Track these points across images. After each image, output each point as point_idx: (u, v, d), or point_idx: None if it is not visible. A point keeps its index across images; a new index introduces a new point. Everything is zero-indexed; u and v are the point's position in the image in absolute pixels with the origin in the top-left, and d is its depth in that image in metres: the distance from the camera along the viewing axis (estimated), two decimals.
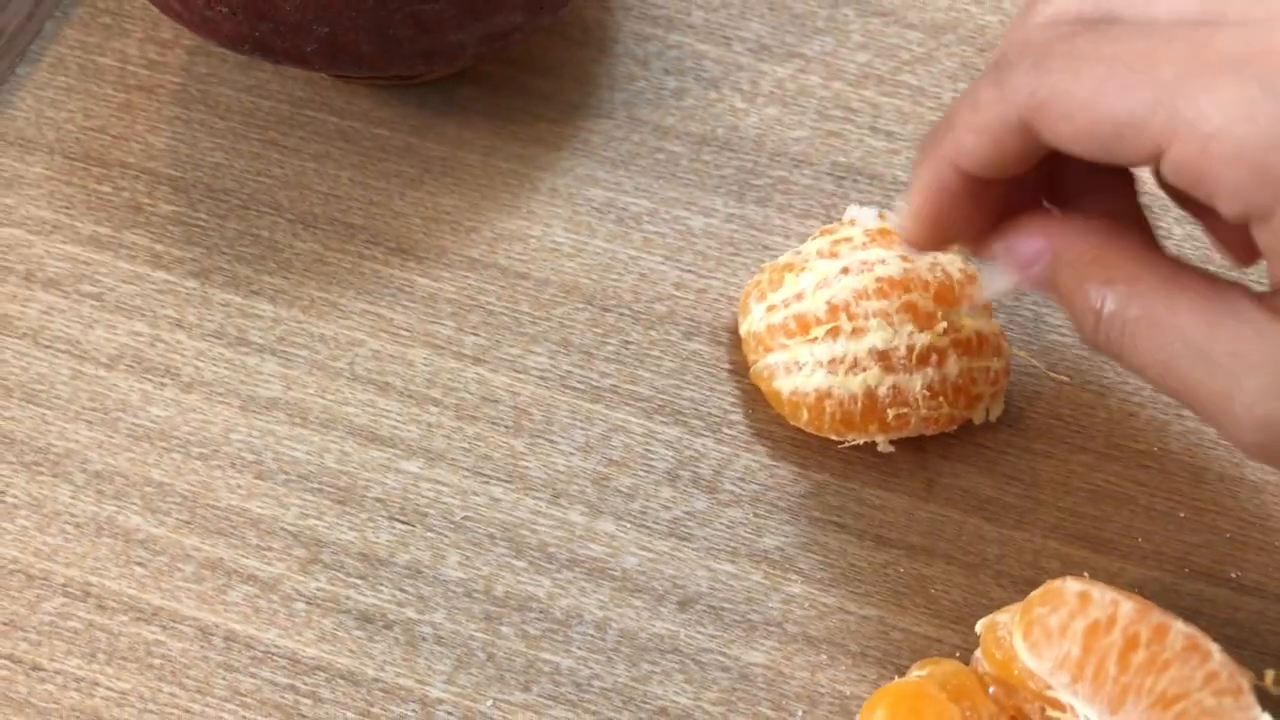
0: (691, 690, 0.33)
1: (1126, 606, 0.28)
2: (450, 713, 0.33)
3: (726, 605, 0.34)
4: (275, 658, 0.33)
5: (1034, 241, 0.26)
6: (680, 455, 0.36)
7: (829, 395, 0.33)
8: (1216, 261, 0.38)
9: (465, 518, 0.35)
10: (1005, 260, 0.27)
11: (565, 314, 0.37)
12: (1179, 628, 0.28)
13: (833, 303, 0.33)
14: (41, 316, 0.37)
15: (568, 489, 0.35)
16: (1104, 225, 0.26)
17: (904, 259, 0.34)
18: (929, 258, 0.34)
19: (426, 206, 0.39)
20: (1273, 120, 0.21)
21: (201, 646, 0.33)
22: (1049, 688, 0.28)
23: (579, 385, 0.37)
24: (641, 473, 0.36)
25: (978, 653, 0.31)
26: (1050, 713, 0.29)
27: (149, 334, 0.37)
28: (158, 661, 0.33)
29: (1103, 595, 0.28)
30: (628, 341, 0.37)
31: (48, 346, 0.37)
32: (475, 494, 0.35)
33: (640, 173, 0.40)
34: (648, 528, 0.35)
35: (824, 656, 0.34)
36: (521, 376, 0.37)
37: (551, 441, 0.36)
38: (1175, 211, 0.38)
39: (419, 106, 0.40)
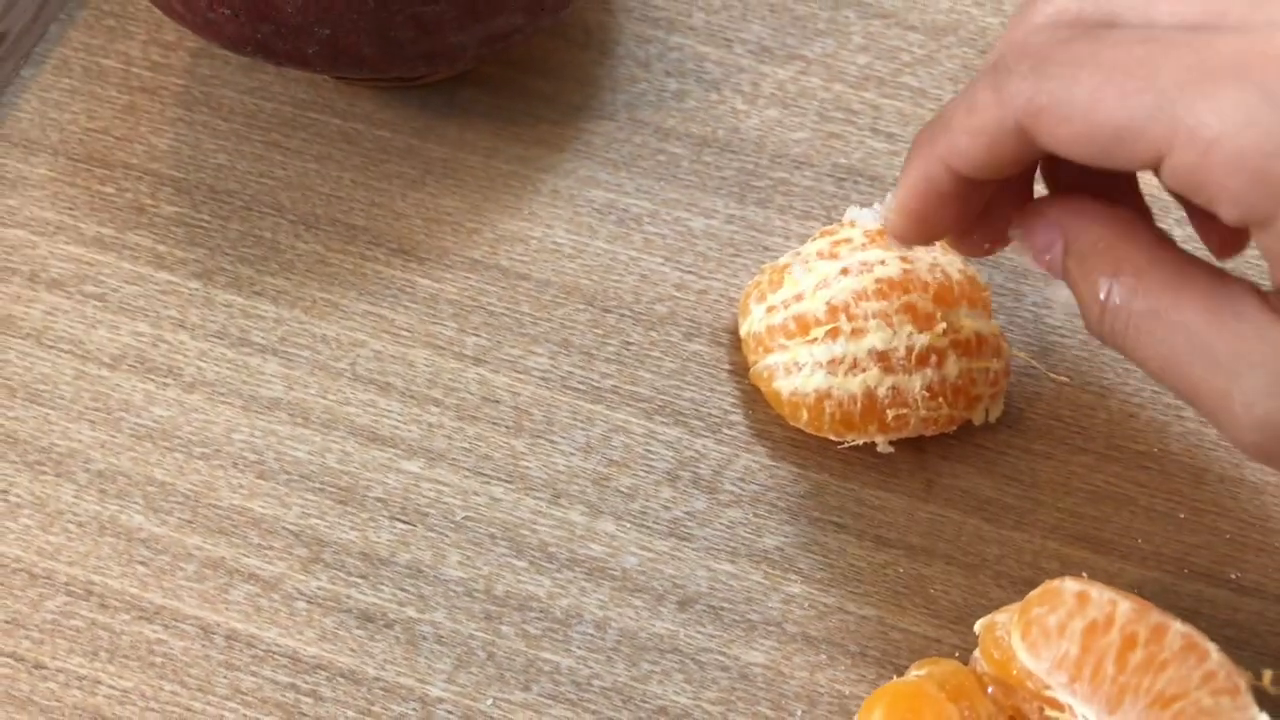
0: (691, 690, 0.33)
1: (1124, 606, 0.28)
2: (450, 712, 0.33)
3: (726, 605, 0.34)
4: (276, 656, 0.33)
5: (1048, 229, 0.26)
6: (680, 455, 0.36)
7: (828, 396, 0.33)
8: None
9: (466, 517, 0.35)
10: (1020, 246, 0.27)
11: (566, 315, 0.38)
12: (1177, 627, 0.28)
13: (832, 304, 0.33)
14: (45, 317, 0.37)
15: (568, 489, 0.35)
16: (1115, 215, 0.26)
17: (903, 260, 0.34)
18: (929, 259, 0.34)
19: (428, 208, 0.39)
20: (1273, 127, 0.21)
21: (203, 645, 0.33)
22: (1047, 687, 0.28)
23: (580, 386, 0.37)
24: (642, 473, 0.36)
25: (976, 653, 0.31)
26: (1048, 712, 0.29)
27: (152, 334, 0.37)
28: (159, 660, 0.33)
29: (1101, 595, 0.28)
30: (628, 342, 0.37)
31: (51, 347, 0.37)
32: (476, 494, 0.35)
33: (641, 174, 0.40)
34: (648, 528, 0.35)
35: (823, 656, 0.34)
36: (522, 377, 0.37)
37: (552, 442, 0.36)
38: (1176, 213, 0.38)
39: (421, 108, 0.41)
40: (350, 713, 0.33)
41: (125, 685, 0.33)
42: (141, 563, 0.34)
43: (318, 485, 0.35)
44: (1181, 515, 0.35)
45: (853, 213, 0.36)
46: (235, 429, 0.36)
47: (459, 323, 0.37)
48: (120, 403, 0.36)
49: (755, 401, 0.36)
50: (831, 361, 0.33)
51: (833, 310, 0.33)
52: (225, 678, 0.33)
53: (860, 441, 0.35)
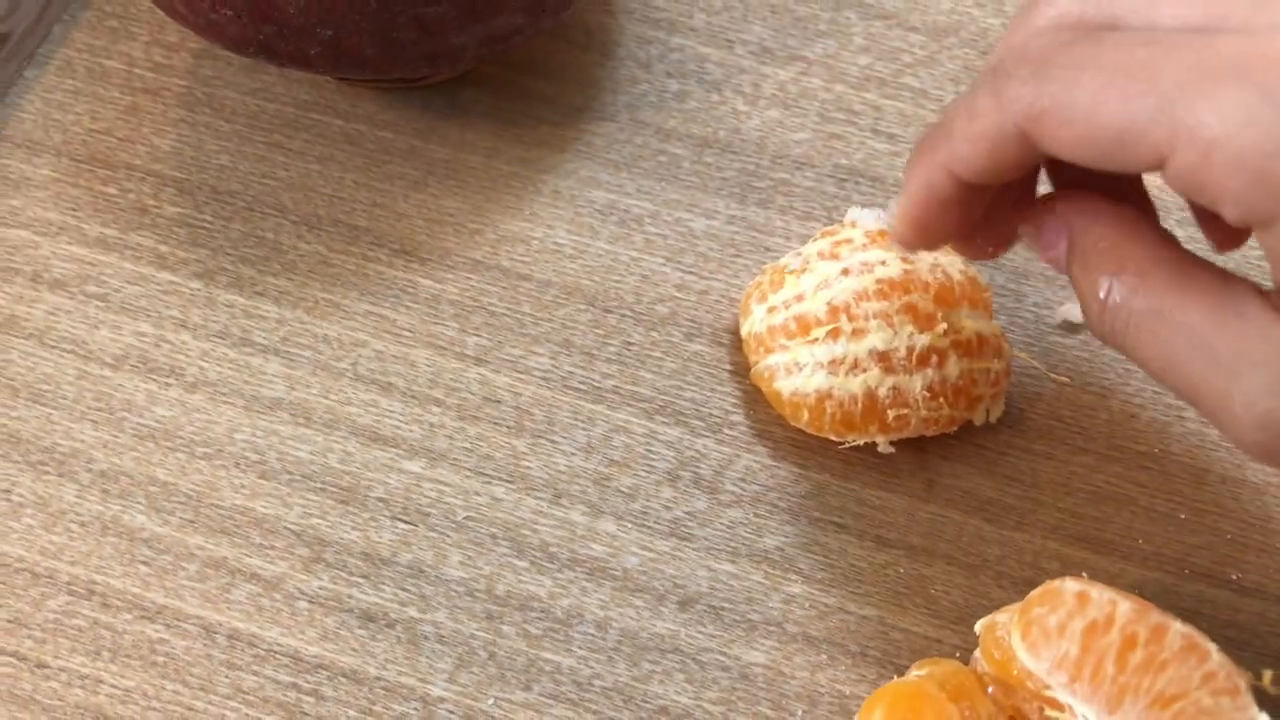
0: (692, 690, 0.33)
1: (1124, 606, 0.28)
2: (452, 711, 0.33)
3: (727, 605, 0.34)
4: (278, 656, 0.33)
5: (1055, 226, 0.26)
6: (681, 456, 0.36)
7: (829, 396, 0.33)
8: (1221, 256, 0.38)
9: (467, 517, 0.35)
10: (1029, 242, 0.27)
11: (567, 315, 0.38)
12: (1177, 628, 0.28)
13: (833, 304, 0.33)
14: (48, 317, 0.37)
15: (569, 489, 0.35)
16: (1119, 214, 0.26)
17: (904, 260, 0.34)
18: (930, 259, 0.34)
19: (430, 208, 0.39)
20: (1273, 127, 0.21)
21: (205, 644, 0.33)
22: (1047, 687, 0.28)
23: (581, 386, 0.37)
24: (643, 473, 0.36)
25: (977, 653, 0.31)
26: (1049, 712, 0.29)
27: (154, 334, 0.37)
28: (161, 659, 0.33)
29: (1101, 595, 0.28)
30: (629, 343, 0.37)
31: (54, 347, 0.37)
32: (477, 494, 0.35)
33: (642, 175, 0.40)
34: (649, 528, 0.35)
35: (824, 656, 0.34)
36: (523, 377, 0.37)
37: (553, 442, 0.36)
38: (1177, 214, 0.38)
39: (422, 109, 0.41)
40: (352, 712, 0.33)
41: (127, 684, 0.33)
42: (144, 562, 0.34)
43: (319, 485, 0.35)
44: (1182, 516, 0.35)
45: (854, 213, 0.36)
46: (237, 429, 0.36)
47: (460, 323, 0.38)
48: (123, 403, 0.36)
49: (756, 402, 0.36)
50: (832, 362, 0.33)
51: (834, 310, 0.33)
52: (227, 677, 0.33)
53: (861, 442, 0.35)
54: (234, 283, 0.38)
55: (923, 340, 0.33)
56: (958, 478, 0.36)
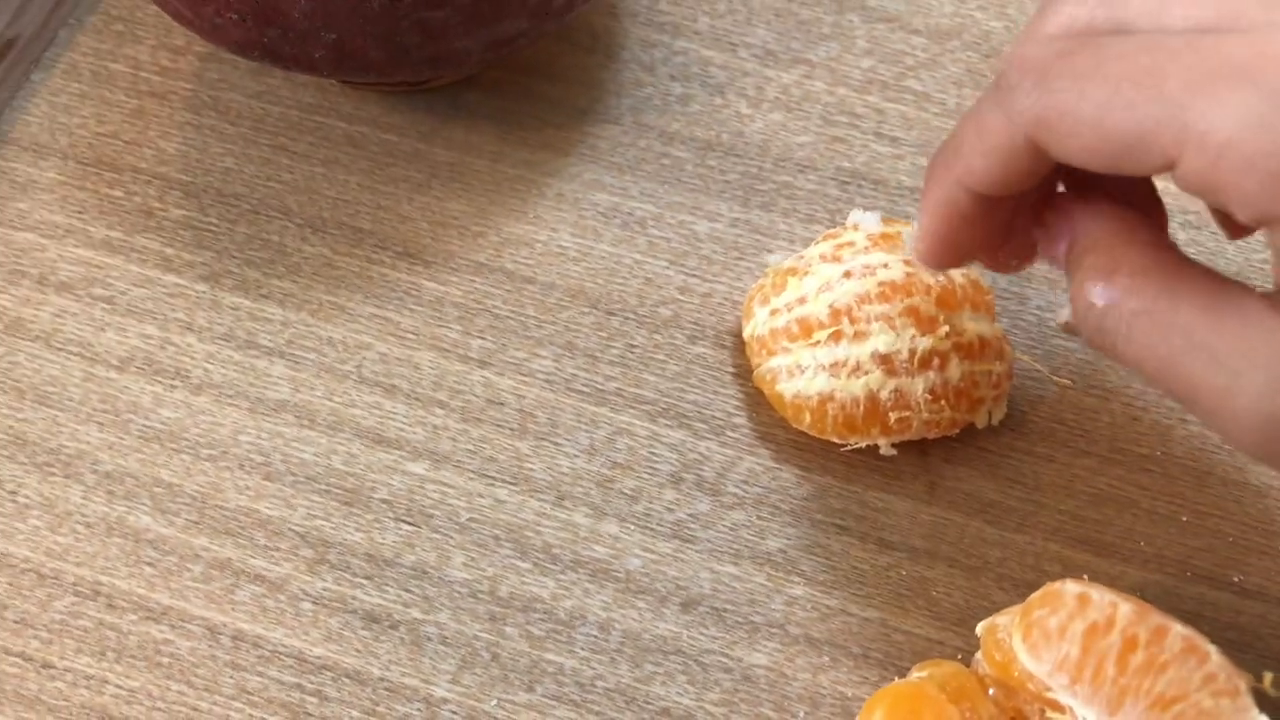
0: (694, 691, 0.33)
1: (1125, 608, 0.28)
2: (455, 712, 0.33)
3: (729, 607, 0.34)
4: (282, 657, 0.34)
5: (1059, 226, 0.26)
6: (684, 458, 0.36)
7: (831, 398, 0.33)
8: (1223, 260, 0.38)
9: (470, 519, 0.35)
10: (1043, 247, 0.27)
11: (571, 318, 0.38)
12: (1177, 629, 0.28)
13: (835, 306, 0.33)
14: (54, 319, 0.38)
15: (572, 491, 0.36)
16: (1119, 215, 0.26)
17: (906, 263, 0.34)
18: None
19: (434, 211, 0.39)
20: None
21: (209, 645, 0.34)
22: (1048, 689, 0.28)
23: (584, 388, 0.37)
24: (645, 475, 0.36)
25: (978, 655, 0.31)
26: (1049, 714, 0.29)
27: (159, 337, 0.37)
28: (166, 660, 0.33)
29: (1101, 597, 0.28)
30: (632, 345, 0.37)
31: (60, 349, 0.37)
32: (480, 496, 0.35)
33: (646, 178, 0.40)
34: (651, 530, 0.35)
35: (826, 658, 0.34)
36: (527, 379, 0.37)
37: (556, 444, 0.36)
38: (1179, 217, 0.38)
39: (427, 112, 0.41)
40: (355, 713, 0.33)
41: (132, 685, 0.33)
42: (149, 563, 0.35)
43: (324, 487, 0.36)
44: (1184, 518, 0.35)
45: (856, 216, 0.36)
46: (242, 431, 0.36)
47: (464, 325, 0.38)
48: (128, 405, 0.37)
49: (758, 404, 0.36)
50: (834, 364, 0.33)
51: (835, 313, 0.33)
52: (231, 678, 0.33)
53: (863, 444, 0.35)
54: (239, 285, 0.38)
55: (925, 343, 0.33)
56: (960, 480, 0.36)
